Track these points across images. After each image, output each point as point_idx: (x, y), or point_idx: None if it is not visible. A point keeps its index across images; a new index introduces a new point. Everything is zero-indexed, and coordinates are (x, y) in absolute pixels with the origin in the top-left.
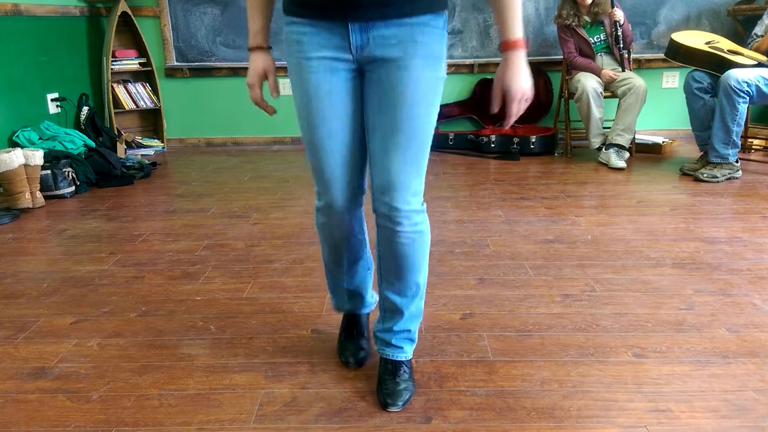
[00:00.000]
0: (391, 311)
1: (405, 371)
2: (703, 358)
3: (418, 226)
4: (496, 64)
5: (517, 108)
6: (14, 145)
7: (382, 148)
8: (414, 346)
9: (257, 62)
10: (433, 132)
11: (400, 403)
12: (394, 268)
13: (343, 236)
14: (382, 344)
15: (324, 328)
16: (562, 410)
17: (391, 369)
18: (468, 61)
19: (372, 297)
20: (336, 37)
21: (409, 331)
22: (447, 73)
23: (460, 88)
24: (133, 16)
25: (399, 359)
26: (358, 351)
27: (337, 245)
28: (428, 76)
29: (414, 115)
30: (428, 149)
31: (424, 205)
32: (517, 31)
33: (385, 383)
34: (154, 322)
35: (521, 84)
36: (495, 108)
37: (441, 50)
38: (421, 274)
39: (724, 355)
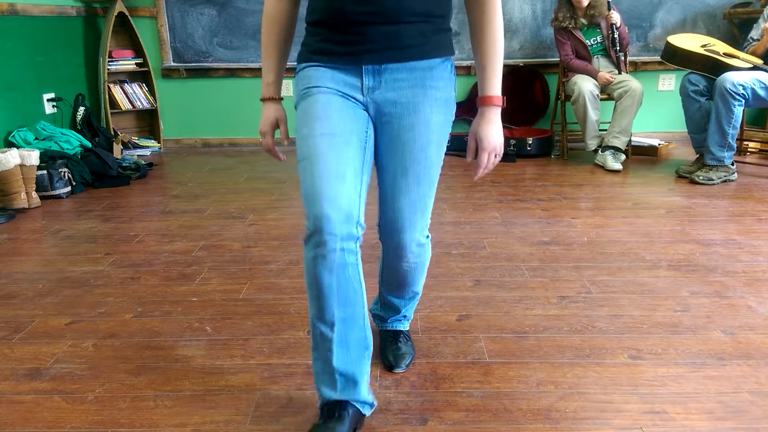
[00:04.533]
0: (388, 306)
1: (404, 337)
2: (698, 359)
3: (420, 256)
4: None
5: (487, 160)
6: (10, 145)
7: (391, 188)
8: (409, 321)
9: (269, 112)
10: (440, 171)
11: (404, 365)
12: (395, 283)
13: (334, 272)
14: (380, 320)
15: None
16: (558, 412)
17: (391, 337)
18: (465, 63)
19: (369, 394)
20: (349, 78)
21: (406, 316)
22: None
23: (457, 90)
24: (129, 17)
25: (398, 329)
26: None
27: (325, 286)
28: (438, 120)
29: (424, 158)
30: (435, 187)
31: (429, 236)
32: (497, 88)
33: (387, 349)
34: (149, 323)
35: (494, 139)
36: (469, 158)
37: (450, 93)
38: (420, 284)
39: (720, 356)
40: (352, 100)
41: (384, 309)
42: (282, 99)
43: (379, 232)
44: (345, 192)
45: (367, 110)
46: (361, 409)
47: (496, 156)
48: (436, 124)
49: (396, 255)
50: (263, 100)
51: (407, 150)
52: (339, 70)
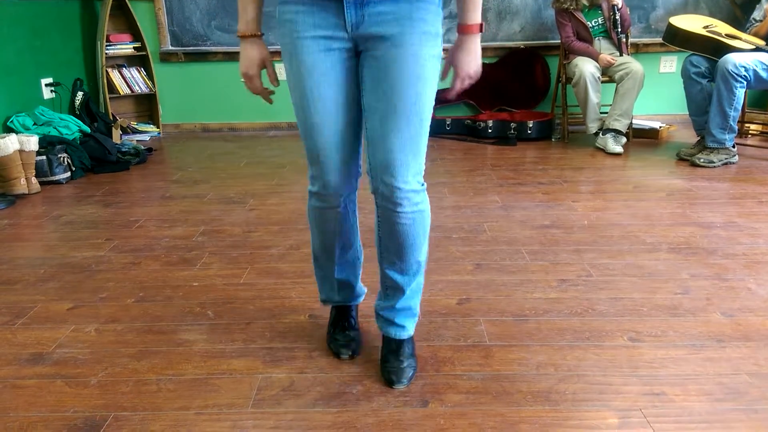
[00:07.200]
0: (392, 289)
1: (407, 349)
2: (697, 342)
3: (418, 205)
4: (494, 49)
5: (461, 85)
6: (9, 130)
7: (380, 128)
8: (416, 322)
9: (252, 52)
10: (431, 110)
11: (405, 381)
12: (394, 248)
13: (337, 220)
14: (385, 323)
15: (321, 313)
16: (557, 394)
17: (394, 348)
18: None
19: (361, 288)
20: (331, 16)
21: (411, 308)
22: (444, 58)
23: None
24: (127, 0)
25: (402, 338)
26: (349, 342)
27: (330, 231)
28: (425, 54)
29: (412, 94)
30: (427, 127)
31: (425, 184)
32: (477, 16)
33: (389, 362)
34: (151, 308)
35: (470, 67)
36: (442, 78)
37: (437, 27)
38: (422, 252)
39: (719, 339)
40: (337, 45)
41: (387, 296)
42: (263, 35)
43: (370, 179)
44: (344, 159)
45: (353, 47)
46: (357, 303)
47: (470, 80)
48: (424, 59)
49: (391, 205)
50: (243, 37)
51: (395, 86)
52: (319, 8)
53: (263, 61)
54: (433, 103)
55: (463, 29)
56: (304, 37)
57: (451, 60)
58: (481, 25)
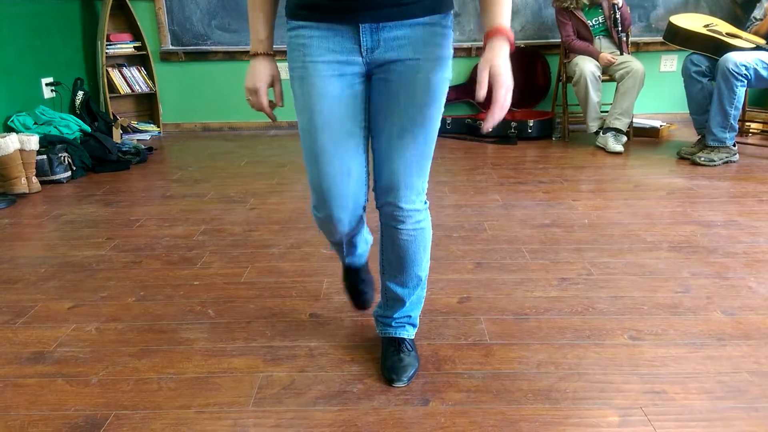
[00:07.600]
0: (393, 300)
1: (408, 347)
2: (698, 340)
3: (420, 223)
4: None
5: (504, 96)
6: (9, 130)
7: (387, 149)
8: (415, 331)
9: (262, 69)
10: (437, 131)
11: (405, 379)
12: (396, 262)
13: (344, 243)
14: (384, 326)
15: (322, 312)
16: (558, 392)
17: (394, 345)
18: (465, 45)
19: (367, 243)
20: (346, 40)
21: (410, 316)
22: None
23: (457, 72)
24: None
25: (401, 336)
26: (364, 300)
27: (338, 248)
28: (438, 78)
29: (423, 117)
30: (432, 148)
31: (427, 203)
32: (508, 19)
33: (388, 360)
34: (152, 307)
35: (508, 73)
36: (482, 93)
37: (449, 51)
38: (422, 266)
39: (720, 337)
40: (350, 69)
41: (388, 306)
42: (275, 55)
43: (375, 197)
44: (351, 189)
45: (366, 72)
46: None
47: (509, 89)
48: (436, 83)
49: (393, 222)
50: (254, 55)
51: (406, 109)
52: (334, 33)
53: (273, 77)
54: (440, 125)
55: (495, 32)
56: (317, 61)
57: (487, 68)
58: (512, 34)
